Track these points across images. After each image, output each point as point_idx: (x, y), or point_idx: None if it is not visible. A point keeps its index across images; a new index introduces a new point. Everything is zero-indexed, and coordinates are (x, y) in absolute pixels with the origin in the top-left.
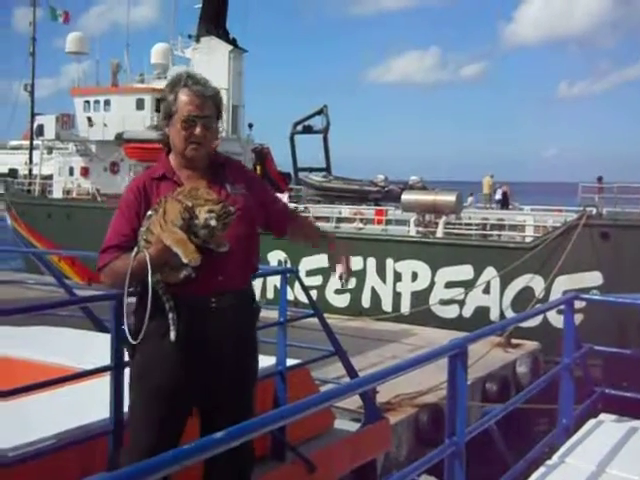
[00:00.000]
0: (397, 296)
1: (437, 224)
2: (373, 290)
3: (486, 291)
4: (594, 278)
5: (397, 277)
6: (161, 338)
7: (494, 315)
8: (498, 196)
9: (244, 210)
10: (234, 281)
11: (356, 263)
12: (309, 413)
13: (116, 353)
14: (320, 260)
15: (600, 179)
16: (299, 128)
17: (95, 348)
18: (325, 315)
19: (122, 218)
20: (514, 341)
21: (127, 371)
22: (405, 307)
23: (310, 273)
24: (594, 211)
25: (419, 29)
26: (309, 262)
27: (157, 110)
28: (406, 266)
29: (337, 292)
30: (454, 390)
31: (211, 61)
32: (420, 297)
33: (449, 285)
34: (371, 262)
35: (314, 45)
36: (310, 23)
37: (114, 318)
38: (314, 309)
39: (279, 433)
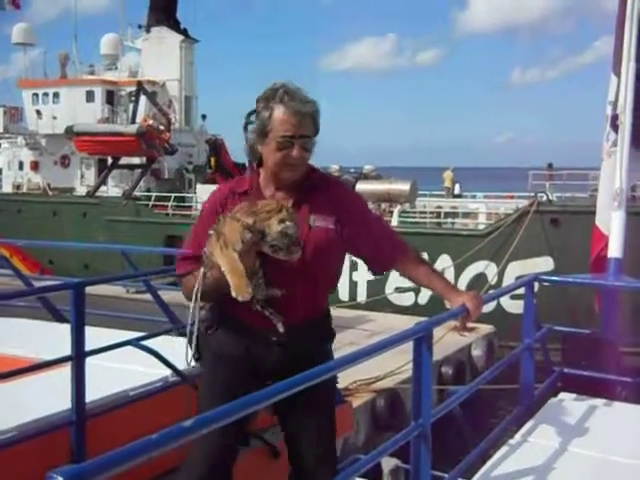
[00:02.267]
0: (353, 285)
1: (392, 213)
2: None
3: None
4: (545, 263)
5: (353, 266)
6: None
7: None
8: (457, 191)
9: (321, 249)
10: (300, 317)
11: None
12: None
13: (77, 342)
14: None
15: (550, 166)
16: (252, 118)
17: (53, 338)
18: None
19: (201, 227)
20: (469, 325)
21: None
22: (361, 296)
23: None
24: (544, 197)
25: (375, 15)
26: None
27: (108, 102)
28: None
29: None
30: (420, 372)
31: (162, 51)
32: (376, 286)
33: None
34: None
35: (267, 31)
36: (263, 9)
37: (74, 307)
38: None
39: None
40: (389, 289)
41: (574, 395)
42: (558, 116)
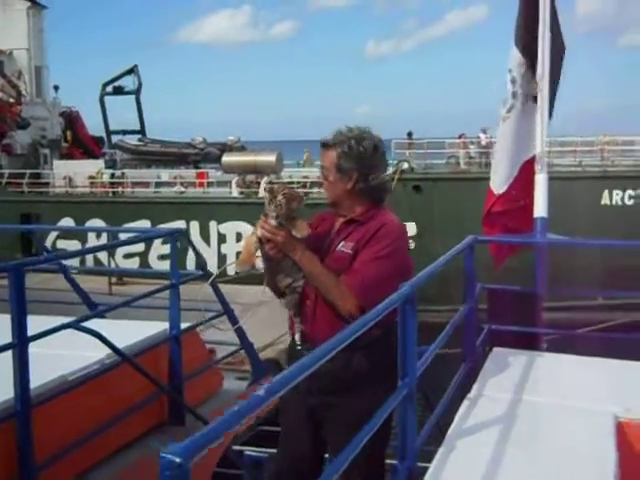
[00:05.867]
0: (222, 258)
1: (259, 184)
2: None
3: None
4: (410, 228)
5: (221, 239)
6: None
7: None
8: None
9: (337, 270)
10: (317, 332)
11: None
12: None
13: (19, 329)
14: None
15: (410, 134)
16: (109, 89)
17: None
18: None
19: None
20: None
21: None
22: (231, 269)
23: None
24: (406, 165)
25: None
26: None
27: None
28: (230, 227)
29: (160, 258)
30: (405, 333)
31: (8, 19)
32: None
33: None
34: (194, 225)
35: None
36: None
37: (15, 291)
38: (203, 269)
39: (178, 397)
40: (259, 260)
41: (507, 349)
42: (414, 87)
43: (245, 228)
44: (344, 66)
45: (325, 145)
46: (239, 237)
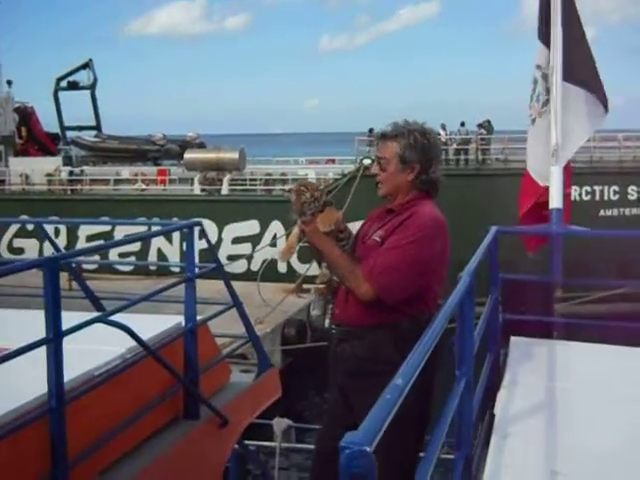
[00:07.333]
0: (184, 255)
1: (221, 181)
2: (160, 251)
3: (273, 244)
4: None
5: (184, 236)
6: None
7: (282, 267)
8: None
9: (365, 256)
10: (347, 316)
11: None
12: None
13: (54, 323)
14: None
15: (371, 131)
16: (64, 84)
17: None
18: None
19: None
20: (305, 286)
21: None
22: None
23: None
24: (369, 162)
25: None
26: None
27: None
28: None
29: (119, 255)
30: (464, 323)
31: None
32: (207, 255)
33: (236, 241)
34: None
35: None
36: None
37: (50, 285)
38: (217, 263)
39: (195, 390)
40: (221, 257)
41: (524, 338)
42: (366, 81)
43: (208, 225)
44: (297, 59)
45: (385, 136)
46: (202, 234)
